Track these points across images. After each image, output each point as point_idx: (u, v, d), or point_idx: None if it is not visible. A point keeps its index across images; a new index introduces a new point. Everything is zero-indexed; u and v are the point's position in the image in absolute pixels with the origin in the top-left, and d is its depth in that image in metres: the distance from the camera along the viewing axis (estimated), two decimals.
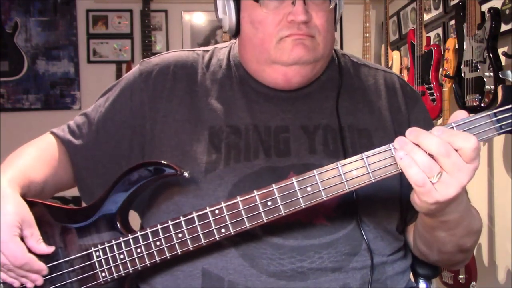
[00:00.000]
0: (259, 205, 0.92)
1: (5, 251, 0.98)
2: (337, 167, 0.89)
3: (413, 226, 1.13)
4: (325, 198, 0.90)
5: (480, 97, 2.16)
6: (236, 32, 1.12)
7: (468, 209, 0.98)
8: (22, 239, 1.00)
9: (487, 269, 2.47)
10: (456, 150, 0.82)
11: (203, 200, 1.00)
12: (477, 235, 1.05)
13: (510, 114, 0.84)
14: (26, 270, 1.00)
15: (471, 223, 1.00)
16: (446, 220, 0.93)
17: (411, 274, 1.20)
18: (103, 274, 1.02)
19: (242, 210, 0.93)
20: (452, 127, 0.85)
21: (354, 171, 0.88)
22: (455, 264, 1.13)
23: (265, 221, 0.93)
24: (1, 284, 1.04)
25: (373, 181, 0.88)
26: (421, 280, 1.26)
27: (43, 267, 1.02)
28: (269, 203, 0.92)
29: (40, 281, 1.02)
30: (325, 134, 1.08)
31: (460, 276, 2.33)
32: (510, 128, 0.84)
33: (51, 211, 1.06)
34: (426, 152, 0.83)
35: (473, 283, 2.31)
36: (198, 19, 4.11)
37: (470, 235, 1.02)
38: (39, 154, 1.14)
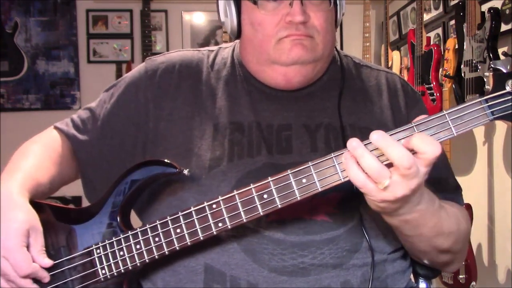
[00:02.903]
0: (255, 198, 0.93)
1: (11, 259, 0.98)
2: (331, 158, 0.90)
3: None
4: (320, 189, 0.90)
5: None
6: (237, 34, 1.13)
7: (434, 210, 0.97)
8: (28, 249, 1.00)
9: (487, 269, 2.47)
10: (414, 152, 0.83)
11: (206, 196, 1.01)
12: (455, 236, 1.04)
13: (501, 100, 0.85)
14: (30, 278, 1.00)
15: (440, 224, 0.99)
16: (406, 219, 0.93)
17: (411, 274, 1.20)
18: (103, 271, 1.02)
19: (239, 204, 0.94)
20: (444, 115, 0.86)
21: None
22: (444, 264, 1.12)
23: (261, 213, 0.93)
24: None
25: None
26: (421, 280, 1.26)
27: (46, 275, 1.02)
28: (265, 195, 0.93)
29: None
30: (327, 133, 1.09)
31: (460, 276, 2.33)
32: (501, 114, 0.85)
33: (54, 211, 1.07)
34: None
35: (473, 283, 2.31)
36: (198, 19, 4.11)
37: (443, 236, 1.01)
38: (44, 152, 1.14)
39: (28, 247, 1.00)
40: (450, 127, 0.86)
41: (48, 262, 1.02)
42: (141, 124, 1.13)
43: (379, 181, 0.84)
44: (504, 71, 0.89)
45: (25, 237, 0.99)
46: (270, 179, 0.93)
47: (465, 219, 1.08)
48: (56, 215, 1.07)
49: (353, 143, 0.85)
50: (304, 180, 0.91)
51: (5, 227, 0.98)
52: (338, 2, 1.11)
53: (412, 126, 0.87)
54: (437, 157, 0.83)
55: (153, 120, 1.12)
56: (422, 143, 0.83)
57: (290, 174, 0.92)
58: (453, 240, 1.04)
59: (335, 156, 0.90)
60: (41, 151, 1.14)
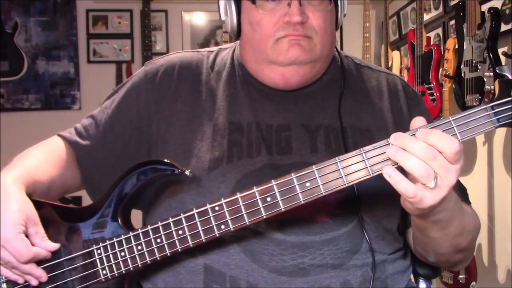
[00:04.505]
0: (259, 201, 0.93)
1: (9, 248, 0.99)
2: (336, 162, 0.90)
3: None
4: (324, 193, 0.90)
5: (480, 97, 2.16)
6: (237, 34, 1.14)
7: (459, 207, 0.98)
8: (27, 236, 1.01)
9: (487, 269, 2.47)
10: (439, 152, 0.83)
11: (206, 197, 1.01)
12: (472, 234, 1.05)
13: (507, 107, 0.85)
14: (32, 262, 1.01)
15: (464, 222, 1.00)
16: (437, 219, 0.93)
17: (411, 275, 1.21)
18: (104, 272, 1.02)
19: (242, 206, 0.94)
20: (449, 121, 0.86)
21: (353, 166, 0.89)
22: (455, 264, 1.13)
23: (264, 217, 0.93)
24: (4, 284, 1.04)
25: (371, 175, 0.88)
26: (421, 280, 1.26)
27: (47, 254, 1.02)
28: (268, 199, 0.92)
29: (44, 277, 1.03)
30: (327, 134, 1.09)
31: (460, 276, 2.33)
32: (507, 121, 0.85)
33: (55, 211, 1.07)
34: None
35: (473, 283, 2.31)
36: (198, 19, 4.11)
37: (464, 234, 1.02)
38: (45, 155, 1.15)
39: (28, 236, 1.01)
40: (456, 134, 0.85)
41: (54, 246, 1.03)
42: (144, 128, 1.13)
43: (428, 180, 0.83)
44: (510, 77, 0.89)
45: (21, 225, 1.00)
46: (273, 182, 0.92)
47: (476, 217, 1.08)
48: (57, 214, 1.07)
49: (391, 150, 0.84)
50: (308, 184, 0.91)
51: (0, 218, 0.99)
52: (339, 2, 1.11)
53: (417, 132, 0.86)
54: (456, 153, 0.83)
55: (155, 122, 1.12)
56: (440, 141, 0.83)
57: (294, 178, 0.91)
58: (470, 238, 1.05)
59: (339, 161, 0.89)
60: (41, 153, 1.15)
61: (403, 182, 0.84)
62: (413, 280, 1.23)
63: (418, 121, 0.87)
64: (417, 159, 0.83)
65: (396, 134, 0.85)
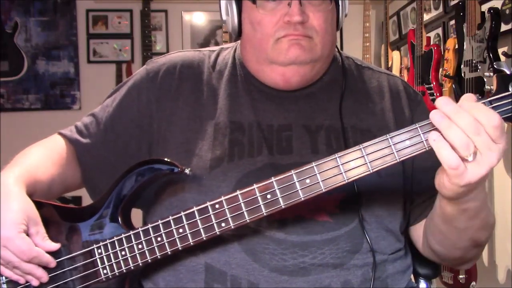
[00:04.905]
0: (259, 198, 0.93)
1: (11, 247, 0.99)
2: (335, 158, 0.90)
3: (421, 225, 1.13)
4: (324, 190, 0.90)
5: (480, 97, 2.15)
6: (238, 33, 1.14)
7: (486, 201, 0.97)
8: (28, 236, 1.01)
9: (487, 269, 2.47)
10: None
11: (206, 196, 1.01)
12: (491, 229, 1.05)
13: (505, 101, 0.84)
14: (35, 263, 1.01)
15: (487, 216, 1.00)
16: (466, 208, 0.92)
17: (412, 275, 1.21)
18: (105, 271, 1.02)
19: (242, 204, 0.94)
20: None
21: (352, 162, 0.89)
22: (467, 261, 1.12)
23: (264, 214, 0.93)
24: (4, 285, 1.04)
25: (371, 171, 0.88)
26: (421, 280, 1.26)
27: (51, 259, 1.03)
28: (268, 196, 0.92)
29: (45, 278, 1.03)
30: (328, 134, 1.09)
31: (460, 276, 2.33)
32: (506, 116, 0.84)
33: (55, 210, 1.07)
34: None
35: (473, 283, 2.31)
36: (198, 19, 4.12)
37: (485, 228, 1.02)
38: (46, 153, 1.15)
39: (29, 236, 1.01)
40: None
41: (55, 246, 1.03)
42: (145, 126, 1.14)
43: (467, 153, 0.80)
44: (508, 72, 0.87)
45: (23, 225, 1.00)
46: (273, 179, 0.92)
47: (493, 215, 1.08)
48: (57, 213, 1.07)
49: (436, 116, 0.82)
50: (307, 181, 0.91)
51: (1, 218, 0.99)
52: (340, 2, 1.11)
53: (416, 127, 0.86)
54: (496, 127, 0.80)
55: (156, 121, 1.13)
56: (481, 114, 0.80)
57: (293, 174, 0.91)
58: (488, 234, 1.04)
59: (338, 157, 0.89)
60: (42, 152, 1.15)
61: (447, 150, 0.81)
62: (413, 280, 1.24)
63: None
64: (461, 131, 0.80)
65: (446, 100, 0.82)
